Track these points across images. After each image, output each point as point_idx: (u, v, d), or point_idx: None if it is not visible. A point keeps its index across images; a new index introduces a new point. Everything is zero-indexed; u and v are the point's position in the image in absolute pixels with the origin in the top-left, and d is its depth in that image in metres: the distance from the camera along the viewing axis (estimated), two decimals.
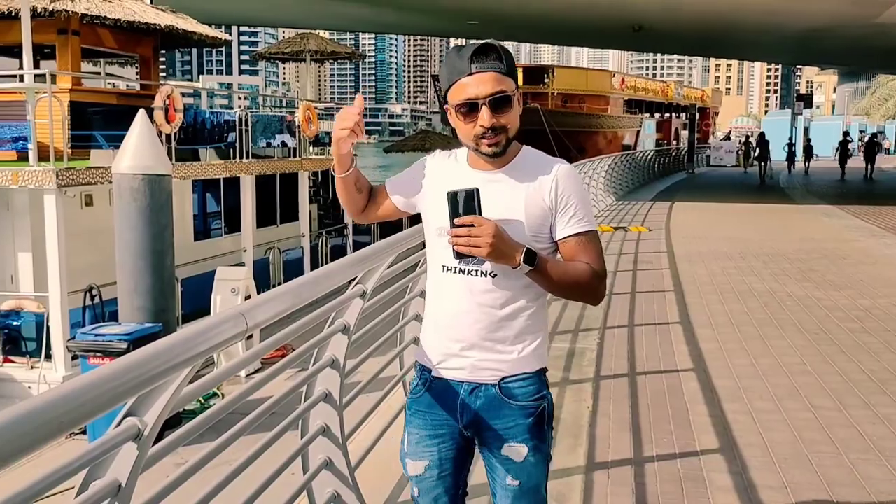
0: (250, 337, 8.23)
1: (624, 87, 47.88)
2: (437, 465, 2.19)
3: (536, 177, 2.09)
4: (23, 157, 11.17)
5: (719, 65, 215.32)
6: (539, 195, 2.07)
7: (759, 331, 7.05)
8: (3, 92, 11.69)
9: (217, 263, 12.92)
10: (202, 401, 8.05)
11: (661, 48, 54.96)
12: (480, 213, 1.95)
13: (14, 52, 13.53)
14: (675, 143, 50.11)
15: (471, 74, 2.00)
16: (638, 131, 48.64)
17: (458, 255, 1.98)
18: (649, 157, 33.32)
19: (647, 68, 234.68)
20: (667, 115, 55.17)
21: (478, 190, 1.96)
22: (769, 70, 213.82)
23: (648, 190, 25.54)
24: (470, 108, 2.01)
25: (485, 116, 2.00)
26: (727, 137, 59.88)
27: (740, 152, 42.37)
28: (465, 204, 1.95)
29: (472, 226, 1.92)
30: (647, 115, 51.96)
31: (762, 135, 34.12)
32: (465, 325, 2.10)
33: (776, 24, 25.70)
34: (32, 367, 10.20)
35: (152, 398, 1.61)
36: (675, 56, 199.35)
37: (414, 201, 2.23)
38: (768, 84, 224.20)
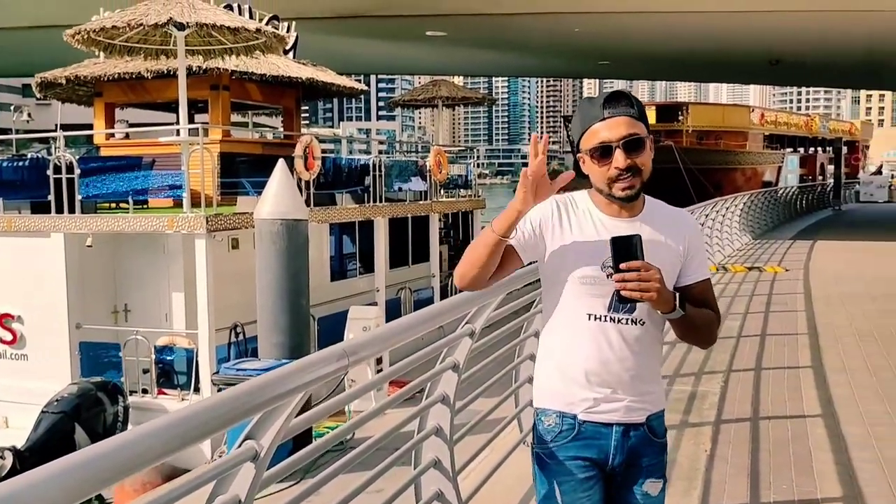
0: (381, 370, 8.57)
1: (763, 122, 46.39)
2: None
3: (670, 225, 2.19)
4: (177, 203, 12.10)
5: (870, 96, 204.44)
6: (675, 243, 2.17)
7: None
8: (162, 144, 12.73)
9: (352, 302, 13.45)
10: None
11: (803, 81, 53.01)
12: (644, 259, 2.02)
13: (172, 107, 14.71)
14: (820, 178, 47.95)
15: (603, 119, 2.11)
16: (780, 167, 46.89)
17: (622, 300, 2.04)
18: (792, 193, 32.07)
19: (791, 102, 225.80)
20: (811, 149, 52.96)
21: (640, 237, 2.03)
22: None
23: (789, 228, 24.58)
24: (603, 152, 2.11)
25: (619, 158, 2.08)
26: (878, 172, 56.75)
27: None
28: (629, 250, 2.00)
29: (639, 270, 1.99)
30: (790, 150, 50.05)
31: None
32: (617, 372, 2.16)
33: None
34: (183, 399, 10.92)
35: (268, 423, 1.85)
36: (821, 88, 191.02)
37: (541, 252, 2.20)
38: None
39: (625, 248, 1.99)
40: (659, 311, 2.09)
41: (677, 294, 2.09)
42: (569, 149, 40.29)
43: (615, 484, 2.23)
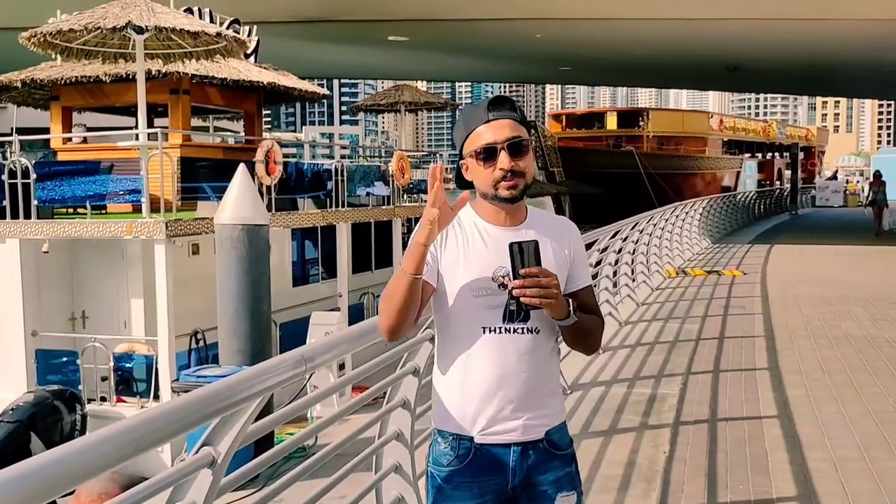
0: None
1: (722, 128, 47.12)
2: None
3: (554, 231, 2.19)
4: (137, 209, 11.96)
5: (826, 102, 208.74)
6: (561, 249, 2.17)
7: (851, 378, 6.88)
8: (120, 149, 12.56)
9: (314, 308, 13.39)
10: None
11: (760, 88, 53.99)
12: (541, 265, 1.98)
13: (131, 111, 14.51)
14: (778, 183, 48.81)
15: (488, 122, 2.11)
16: (738, 172, 47.67)
17: (519, 308, 2.01)
18: (750, 198, 32.58)
19: (749, 108, 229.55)
20: (769, 155, 53.88)
21: (537, 242, 2.00)
22: (881, 106, 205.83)
23: (747, 232, 24.98)
24: (488, 154, 2.09)
25: (503, 160, 2.08)
26: (833, 177, 57.92)
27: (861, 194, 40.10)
28: (528, 256, 1.96)
29: (538, 276, 1.95)
30: (748, 155, 50.88)
31: (877, 174, 27.56)
32: (515, 386, 2.11)
33: (882, 60, 24.95)
34: (142, 407, 10.79)
35: (226, 429, 1.85)
36: (779, 95, 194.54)
37: (439, 275, 2.13)
38: (880, 121, 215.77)
39: (523, 254, 1.97)
40: (554, 318, 2.06)
41: (570, 300, 2.07)
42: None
43: (527, 502, 2.18)
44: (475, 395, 2.12)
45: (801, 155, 44.01)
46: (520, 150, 2.10)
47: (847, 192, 43.88)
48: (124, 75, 13.21)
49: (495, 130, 2.10)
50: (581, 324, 2.11)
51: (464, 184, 2.18)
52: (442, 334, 2.22)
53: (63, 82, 13.92)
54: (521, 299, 1.96)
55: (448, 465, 2.15)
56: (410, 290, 2.01)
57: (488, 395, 2.11)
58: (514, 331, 2.11)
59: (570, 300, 2.08)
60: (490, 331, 2.10)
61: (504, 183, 2.09)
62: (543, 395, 2.16)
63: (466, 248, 2.12)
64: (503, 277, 2.07)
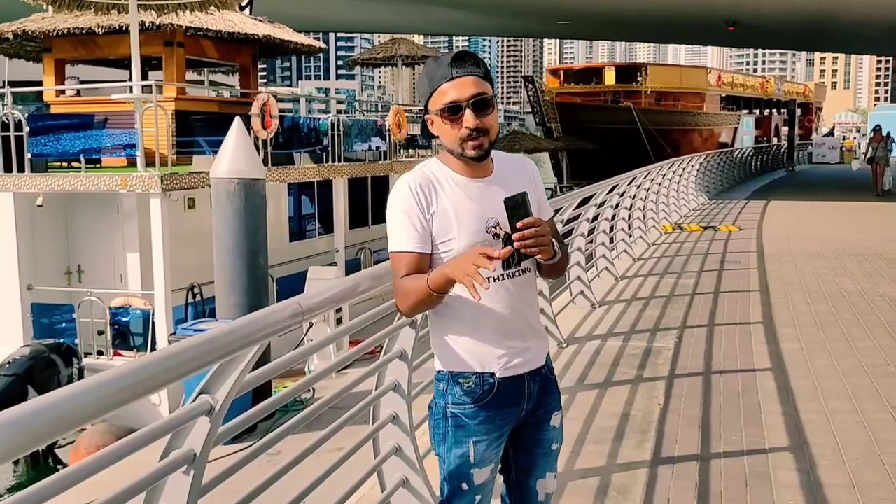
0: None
1: (720, 84, 46.76)
2: (497, 461, 2.31)
3: (520, 173, 2.27)
4: (132, 162, 11.88)
5: (824, 58, 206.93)
6: (529, 188, 2.18)
7: (845, 331, 6.93)
8: (114, 102, 12.44)
9: (311, 263, 13.41)
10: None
11: (759, 43, 53.50)
12: (532, 214, 2.05)
13: (125, 63, 14.35)
14: (775, 140, 48.62)
15: (452, 79, 2.11)
16: (736, 128, 47.45)
17: (521, 258, 2.07)
18: (747, 154, 32.46)
19: (748, 64, 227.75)
20: (766, 111, 53.59)
21: (527, 193, 2.05)
22: (879, 62, 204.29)
23: (744, 188, 24.95)
24: (453, 111, 2.11)
25: (469, 118, 2.10)
26: (830, 133, 57.69)
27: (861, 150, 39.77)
28: (521, 208, 2.01)
29: (534, 227, 1.99)
30: (746, 111, 50.60)
31: (877, 128, 23.99)
32: (521, 322, 2.26)
33: (880, 16, 24.70)
34: None
35: (223, 378, 1.85)
36: (777, 51, 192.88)
37: (433, 241, 2.18)
38: (878, 77, 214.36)
39: (517, 207, 2.00)
40: (544, 259, 2.14)
41: (553, 240, 2.11)
42: (529, 110, 40.27)
43: (526, 427, 2.32)
44: (490, 338, 2.23)
45: (798, 111, 43.81)
46: (485, 106, 2.12)
47: (844, 148, 43.68)
48: (117, 27, 13.04)
49: (459, 88, 2.11)
50: (560, 259, 2.20)
51: (429, 136, 2.25)
52: None
53: (55, 34, 13.73)
54: (522, 251, 2.00)
55: (474, 402, 2.25)
56: (427, 305, 2.15)
57: (502, 337, 2.24)
58: (513, 275, 2.23)
59: (553, 240, 2.11)
60: (494, 279, 2.19)
61: (470, 142, 2.12)
62: (538, 324, 2.35)
63: (455, 207, 2.15)
64: (495, 228, 2.15)
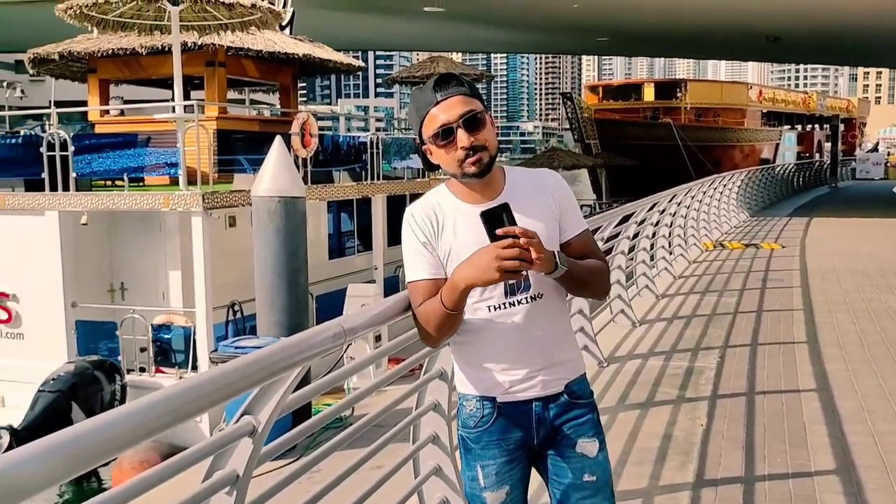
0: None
1: (761, 99, 46.30)
2: (517, 485, 2.24)
3: (534, 188, 2.16)
4: (174, 181, 12.06)
5: (868, 73, 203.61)
6: (545, 203, 2.14)
7: (891, 351, 6.78)
8: (157, 121, 12.67)
9: (350, 280, 13.47)
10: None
11: (800, 58, 52.84)
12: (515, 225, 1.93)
13: (168, 83, 14.62)
14: (817, 155, 47.93)
15: (437, 103, 2.07)
16: (777, 144, 46.87)
17: (509, 273, 1.91)
18: (788, 170, 32.04)
19: (789, 79, 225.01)
20: (809, 126, 52.88)
21: (508, 204, 1.96)
22: None
23: (786, 205, 24.58)
24: (445, 134, 2.06)
25: (462, 138, 2.04)
26: (874, 149, 56.69)
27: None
28: (499, 221, 1.91)
29: (516, 236, 1.89)
30: (788, 127, 49.98)
31: None
32: (532, 354, 2.16)
33: None
34: (181, 378, 10.96)
35: (266, 398, 1.86)
36: (819, 66, 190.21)
37: (445, 270, 2.13)
38: None
39: (496, 219, 1.91)
40: (544, 273, 2.03)
41: (556, 252, 2.03)
42: (567, 126, 40.22)
43: (550, 454, 2.23)
44: (492, 367, 2.17)
45: (841, 127, 43.16)
46: (476, 123, 2.06)
47: (889, 164, 42.93)
48: (160, 47, 13.28)
49: (447, 110, 2.06)
50: (574, 273, 2.07)
51: (431, 166, 2.17)
52: None
53: (100, 55, 14.03)
54: (501, 264, 1.89)
55: (475, 426, 2.21)
56: (448, 325, 2.07)
57: (505, 366, 2.16)
58: (519, 302, 2.13)
59: (556, 252, 2.04)
60: (495, 308, 2.13)
61: (468, 161, 2.06)
62: (559, 350, 2.21)
63: (454, 236, 2.11)
64: None
